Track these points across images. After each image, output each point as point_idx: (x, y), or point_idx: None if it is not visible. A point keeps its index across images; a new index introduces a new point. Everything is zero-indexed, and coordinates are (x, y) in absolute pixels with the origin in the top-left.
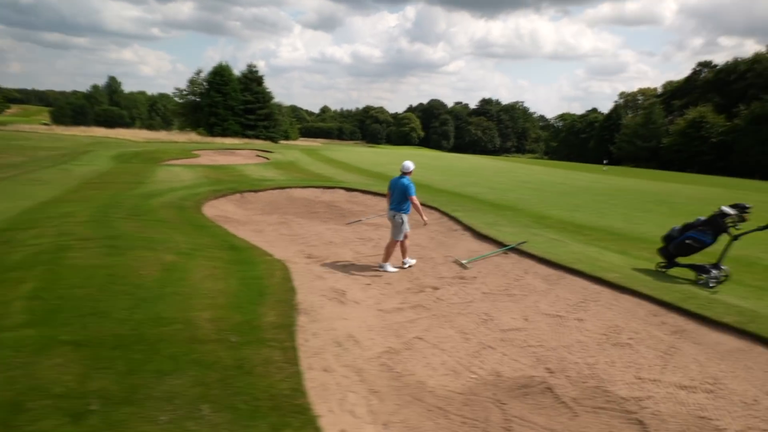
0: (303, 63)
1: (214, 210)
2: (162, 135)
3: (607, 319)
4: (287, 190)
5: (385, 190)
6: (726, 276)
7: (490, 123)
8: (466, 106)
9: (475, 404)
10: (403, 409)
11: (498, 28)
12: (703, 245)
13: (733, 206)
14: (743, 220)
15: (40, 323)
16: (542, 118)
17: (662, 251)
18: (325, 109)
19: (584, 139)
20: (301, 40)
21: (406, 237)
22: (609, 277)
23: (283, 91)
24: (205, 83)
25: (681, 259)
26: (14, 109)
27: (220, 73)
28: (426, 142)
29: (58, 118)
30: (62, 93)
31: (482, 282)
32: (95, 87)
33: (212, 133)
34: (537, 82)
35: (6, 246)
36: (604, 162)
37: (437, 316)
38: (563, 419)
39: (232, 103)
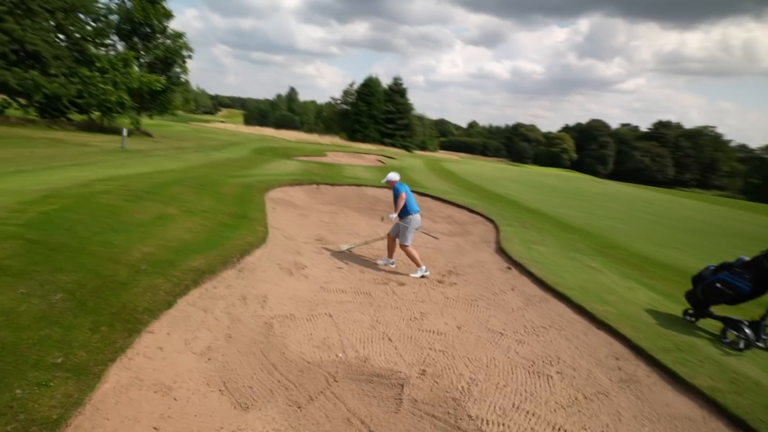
0: (460, 78)
1: (280, 194)
2: (313, 137)
3: (554, 348)
4: (362, 187)
5: (462, 200)
6: None
7: (664, 150)
8: (635, 128)
9: (309, 373)
10: (239, 356)
11: (696, 40)
12: (736, 292)
13: None
14: None
15: (27, 224)
16: (744, 147)
17: (689, 295)
18: (472, 124)
19: None
20: (461, 56)
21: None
22: (598, 310)
23: (437, 105)
24: (355, 93)
25: (718, 310)
26: (223, 111)
27: (369, 84)
28: (579, 166)
29: (249, 120)
30: (258, 100)
31: (457, 288)
32: (278, 96)
33: (354, 139)
34: (746, 104)
35: (83, 187)
36: None
37: (370, 305)
38: (378, 411)
39: (374, 113)
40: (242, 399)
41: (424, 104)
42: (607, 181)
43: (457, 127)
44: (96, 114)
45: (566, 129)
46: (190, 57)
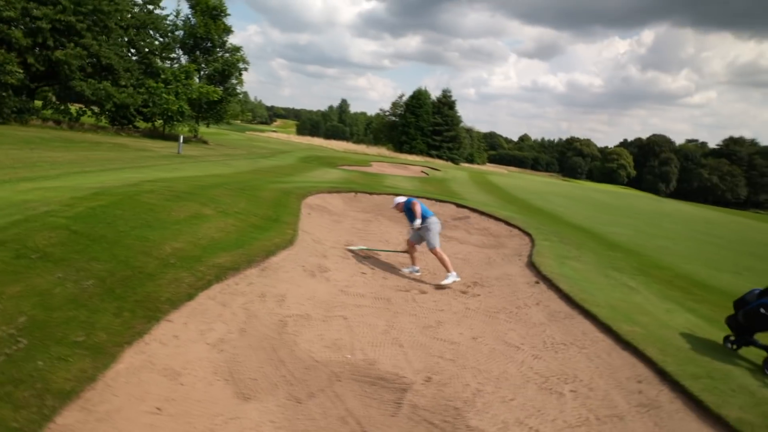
0: (513, 91)
1: (317, 200)
2: (360, 148)
3: (572, 366)
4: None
5: (501, 212)
6: None
7: (735, 168)
8: (702, 144)
9: (314, 371)
10: (249, 350)
11: None
12: None
13: None
14: None
15: (74, 217)
16: None
17: (730, 321)
18: (524, 138)
19: None
20: (514, 69)
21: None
22: (625, 330)
23: (488, 119)
24: (403, 105)
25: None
26: (278, 122)
27: (417, 96)
28: (636, 183)
29: (301, 130)
30: (311, 111)
31: (480, 300)
32: (330, 107)
33: (401, 150)
34: None
35: (131, 187)
36: None
37: (387, 310)
38: (376, 412)
39: (422, 124)
40: (245, 390)
41: (474, 117)
42: (667, 199)
43: (508, 141)
44: (159, 122)
45: (624, 144)
46: (246, 69)
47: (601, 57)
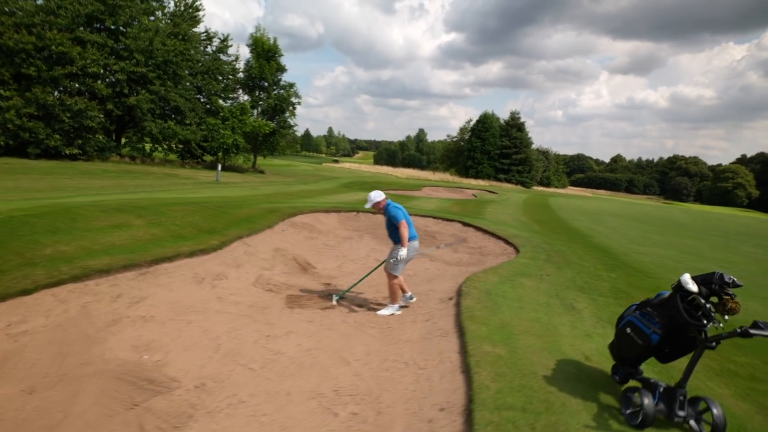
0: (605, 110)
1: (307, 218)
2: (424, 174)
3: (387, 387)
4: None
5: (509, 231)
6: (691, 419)
7: None
8: None
9: (87, 367)
10: (45, 343)
11: None
12: (644, 340)
13: (704, 278)
14: (727, 309)
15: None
16: None
17: (611, 347)
18: (617, 159)
19: None
20: (606, 87)
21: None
22: (482, 351)
23: (578, 140)
24: (470, 130)
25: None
26: (360, 154)
27: (484, 120)
28: (761, 204)
29: (378, 160)
30: (390, 142)
31: (366, 315)
32: (408, 137)
33: (467, 175)
34: None
35: (82, 202)
36: None
37: (248, 318)
38: (97, 411)
39: (489, 148)
40: None
41: (563, 140)
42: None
43: (599, 162)
44: (219, 154)
45: (743, 160)
46: (299, 104)
47: (712, 66)
